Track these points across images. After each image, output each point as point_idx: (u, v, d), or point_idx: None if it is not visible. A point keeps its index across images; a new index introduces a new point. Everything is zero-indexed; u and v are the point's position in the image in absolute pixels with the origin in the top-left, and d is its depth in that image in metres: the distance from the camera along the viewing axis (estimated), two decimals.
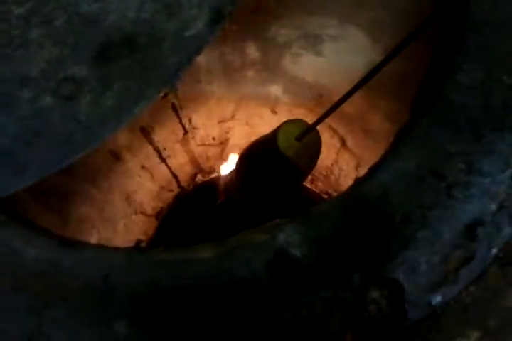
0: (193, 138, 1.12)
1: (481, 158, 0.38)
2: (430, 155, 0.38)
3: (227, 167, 1.10)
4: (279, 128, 0.67)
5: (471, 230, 0.36)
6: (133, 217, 1.02)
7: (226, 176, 1.04)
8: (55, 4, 0.42)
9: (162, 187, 1.09)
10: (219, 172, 1.12)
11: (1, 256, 0.37)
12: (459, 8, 0.44)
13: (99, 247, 0.37)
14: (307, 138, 0.65)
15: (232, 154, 1.10)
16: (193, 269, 0.35)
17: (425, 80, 0.43)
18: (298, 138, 0.65)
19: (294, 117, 1.08)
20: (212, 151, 1.16)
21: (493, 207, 0.37)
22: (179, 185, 1.14)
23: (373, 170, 0.40)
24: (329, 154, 1.09)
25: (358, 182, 0.40)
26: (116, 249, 0.37)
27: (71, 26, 0.41)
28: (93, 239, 0.86)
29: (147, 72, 0.39)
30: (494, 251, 0.37)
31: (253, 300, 0.34)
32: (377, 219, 0.36)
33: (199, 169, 1.18)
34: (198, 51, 0.40)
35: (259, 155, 0.72)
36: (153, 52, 0.40)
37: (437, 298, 0.35)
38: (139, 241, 0.36)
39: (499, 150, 0.38)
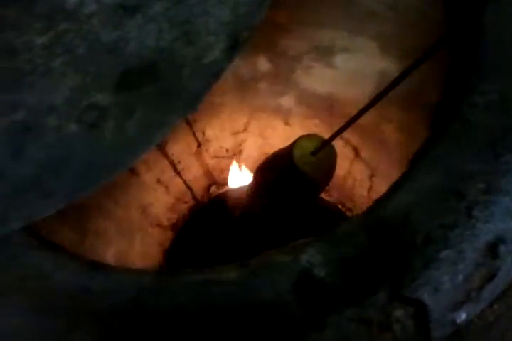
0: (207, 150, 1.13)
1: (499, 177, 0.38)
2: (449, 175, 0.39)
3: (236, 180, 1.09)
4: (294, 143, 0.67)
5: (493, 248, 0.37)
6: (149, 229, 1.03)
7: (239, 190, 1.04)
8: (75, 33, 0.43)
9: (177, 200, 1.10)
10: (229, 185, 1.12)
11: (31, 280, 0.38)
12: (473, 26, 0.45)
13: (128, 270, 0.38)
14: (322, 153, 0.66)
15: (244, 167, 1.10)
16: (221, 290, 0.36)
17: (442, 100, 0.43)
18: (313, 153, 0.66)
19: (307, 128, 1.09)
20: (226, 163, 1.17)
21: None
22: (194, 197, 1.15)
23: (393, 189, 0.40)
24: (343, 164, 1.09)
25: (379, 201, 0.41)
26: (144, 271, 0.38)
27: (93, 54, 0.42)
28: (109, 254, 0.87)
29: (169, 99, 0.40)
30: None
31: (279, 320, 0.35)
32: (399, 240, 0.37)
33: (213, 181, 1.19)
34: (216, 77, 0.41)
35: (275, 170, 0.72)
36: (173, 78, 0.41)
37: (462, 316, 0.36)
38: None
39: None
